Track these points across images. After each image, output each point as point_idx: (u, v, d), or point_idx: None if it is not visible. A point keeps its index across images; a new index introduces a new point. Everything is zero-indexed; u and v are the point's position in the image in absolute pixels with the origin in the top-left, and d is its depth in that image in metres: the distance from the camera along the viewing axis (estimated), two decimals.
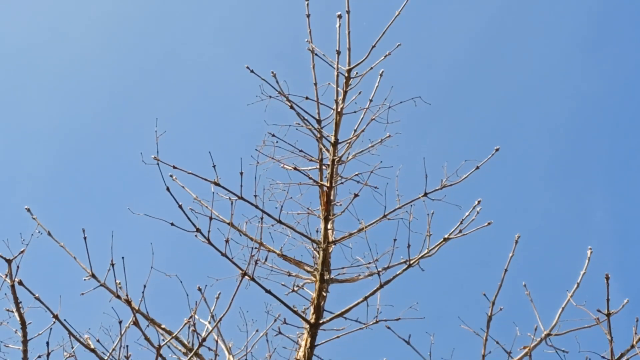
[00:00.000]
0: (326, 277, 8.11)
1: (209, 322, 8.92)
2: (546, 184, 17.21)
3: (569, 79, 17.86)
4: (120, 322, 6.46)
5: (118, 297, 7.07)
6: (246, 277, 6.29)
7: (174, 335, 5.81)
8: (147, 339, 5.93)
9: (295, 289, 8.42)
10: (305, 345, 6.45)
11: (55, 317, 5.85)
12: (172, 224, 6.94)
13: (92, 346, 6.14)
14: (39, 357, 7.20)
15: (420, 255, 6.80)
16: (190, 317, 5.82)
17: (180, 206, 6.79)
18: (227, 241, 6.69)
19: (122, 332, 7.18)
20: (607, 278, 5.72)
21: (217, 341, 8.66)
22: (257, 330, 9.33)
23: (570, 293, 8.06)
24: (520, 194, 16.66)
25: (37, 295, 5.93)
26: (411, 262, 6.64)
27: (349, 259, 8.82)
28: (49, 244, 7.85)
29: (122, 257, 5.97)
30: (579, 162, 17.73)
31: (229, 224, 7.83)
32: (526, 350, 8.42)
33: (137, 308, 6.30)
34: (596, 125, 17.96)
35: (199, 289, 8.27)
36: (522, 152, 17.04)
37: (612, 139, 17.78)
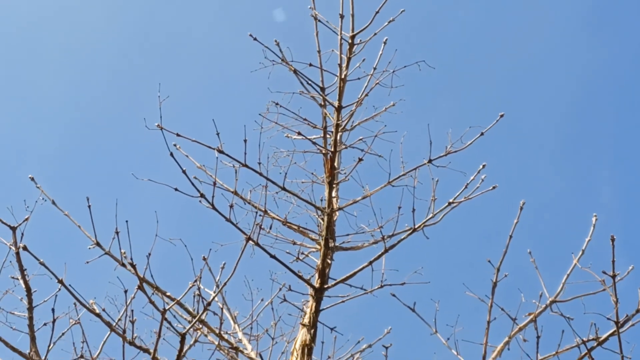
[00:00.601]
0: (331, 244, 8.10)
1: (214, 292, 8.95)
2: (552, 158, 17.17)
3: (577, 54, 17.77)
4: (125, 292, 6.46)
5: (123, 265, 7.08)
6: (250, 242, 6.28)
7: (178, 299, 5.82)
8: (151, 302, 5.93)
9: (300, 257, 8.42)
10: (311, 310, 6.46)
11: (60, 282, 5.85)
12: (176, 189, 6.93)
13: (97, 311, 6.14)
14: (45, 324, 7.22)
15: (425, 220, 6.79)
16: (195, 280, 5.82)
17: (184, 171, 6.78)
18: (231, 206, 6.69)
19: (130, 300, 7.20)
20: (613, 240, 5.70)
21: (222, 309, 8.69)
22: (262, 300, 9.37)
23: (575, 258, 8.05)
24: (525, 168, 16.63)
25: (41, 260, 5.93)
26: (416, 227, 6.62)
27: (354, 228, 8.81)
28: (54, 213, 7.86)
29: (126, 221, 5.95)
30: (585, 138, 17.68)
31: (233, 192, 7.82)
32: (531, 316, 8.42)
33: (142, 276, 6.30)
34: (604, 101, 17.90)
35: (204, 259, 8.29)
36: (528, 125, 16.99)
37: (620, 115, 17.72)
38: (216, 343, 8.23)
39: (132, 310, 5.98)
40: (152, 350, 5.77)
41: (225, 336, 8.03)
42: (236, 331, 8.86)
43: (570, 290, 8.54)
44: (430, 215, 6.77)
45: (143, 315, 8.45)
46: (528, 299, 8.49)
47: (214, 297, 6.02)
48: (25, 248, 5.97)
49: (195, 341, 8.88)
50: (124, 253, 7.03)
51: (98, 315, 6.14)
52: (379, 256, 6.59)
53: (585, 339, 6.01)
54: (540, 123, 17.29)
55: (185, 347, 7.04)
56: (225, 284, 5.85)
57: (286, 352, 8.78)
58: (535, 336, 7.41)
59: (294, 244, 8.83)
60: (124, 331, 6.13)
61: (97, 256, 7.35)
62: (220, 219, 7.17)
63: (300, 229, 8.59)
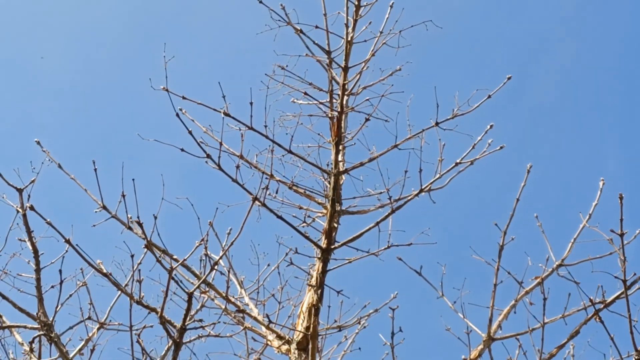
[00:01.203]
0: (337, 208, 8.09)
1: (220, 258, 8.96)
2: (559, 123, 17.11)
3: (584, 17, 17.64)
4: (132, 256, 6.46)
5: (129, 228, 7.08)
6: (257, 202, 6.27)
7: (185, 258, 5.82)
8: (158, 261, 5.94)
9: (307, 221, 8.41)
10: (317, 271, 6.46)
11: (67, 241, 5.85)
12: (182, 150, 6.92)
13: (104, 271, 6.15)
14: (52, 286, 7.24)
15: (432, 181, 6.76)
16: (202, 240, 5.82)
17: (190, 132, 6.75)
18: (237, 167, 6.67)
19: (139, 262, 7.22)
20: (621, 198, 5.66)
21: (228, 274, 8.69)
22: (268, 265, 9.38)
23: (584, 219, 8.03)
24: (532, 132, 16.58)
25: (48, 220, 5.93)
26: (423, 187, 6.60)
27: (360, 193, 8.81)
28: (60, 178, 7.86)
29: (133, 179, 5.93)
30: (591, 104, 17.60)
31: (239, 156, 7.79)
32: (538, 280, 8.42)
33: (148, 237, 6.30)
34: (611, 68, 17.79)
35: (210, 224, 8.29)
36: (535, 90, 16.90)
37: (627, 82, 17.62)
38: (223, 307, 8.25)
39: (140, 270, 5.99)
40: (159, 309, 5.78)
41: (232, 300, 8.04)
42: (243, 296, 8.88)
43: (577, 254, 8.54)
44: (437, 176, 6.74)
45: (150, 281, 8.49)
46: (535, 262, 8.50)
47: (221, 257, 6.02)
48: (32, 208, 5.97)
49: (202, 306, 8.91)
50: (131, 218, 7.03)
51: (105, 274, 6.15)
52: (386, 217, 6.57)
53: (592, 300, 5.99)
54: (548, 88, 17.20)
55: (192, 312, 7.06)
56: (232, 243, 5.85)
57: (293, 316, 8.82)
58: (542, 299, 7.42)
59: (300, 208, 8.82)
60: (131, 292, 6.15)
61: (104, 219, 7.36)
62: (227, 181, 7.15)
63: (307, 192, 8.57)
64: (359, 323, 8.09)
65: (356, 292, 8.95)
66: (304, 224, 8.48)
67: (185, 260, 5.78)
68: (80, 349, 7.91)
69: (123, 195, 6.79)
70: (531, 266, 8.51)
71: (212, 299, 8.40)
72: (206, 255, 6.52)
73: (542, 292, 7.45)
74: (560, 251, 8.56)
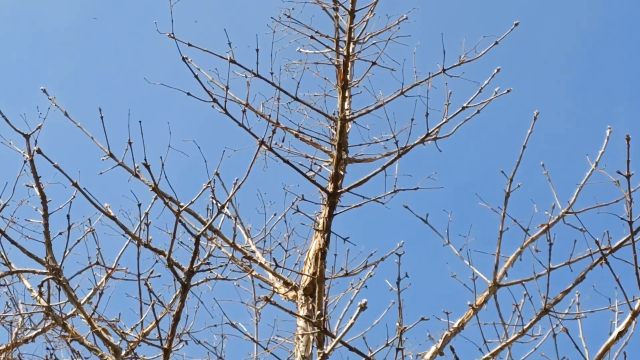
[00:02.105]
0: (344, 156, 8.09)
1: (227, 208, 8.99)
2: (569, 81, 17.01)
3: None
4: (139, 205, 6.48)
5: (136, 176, 7.09)
6: (264, 147, 6.27)
7: (192, 200, 5.83)
8: (166, 204, 5.97)
9: (314, 170, 8.40)
10: (324, 215, 6.48)
11: (75, 185, 5.87)
12: (188, 94, 6.90)
13: (112, 214, 6.18)
14: (60, 233, 7.26)
15: (439, 124, 6.74)
16: (209, 183, 5.83)
17: (196, 76, 6.75)
18: (244, 111, 6.67)
19: (147, 210, 7.25)
20: (628, 139, 5.64)
21: (235, 221, 8.73)
22: (275, 214, 9.40)
23: (592, 164, 8.02)
24: (541, 87, 16.49)
25: (55, 163, 5.95)
26: (429, 131, 6.60)
27: (367, 141, 8.80)
28: (66, 128, 7.86)
29: (140, 122, 5.92)
30: (604, 62, 17.48)
31: (245, 104, 7.77)
32: (544, 227, 8.44)
33: (156, 182, 6.31)
34: (622, 31, 17.62)
35: (217, 174, 8.30)
36: (544, 42, 16.76)
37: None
38: (230, 255, 8.30)
39: (147, 213, 6.01)
40: (167, 252, 5.81)
41: (239, 247, 8.09)
42: (249, 245, 8.92)
43: (583, 202, 8.55)
44: (444, 120, 6.73)
45: (157, 231, 8.51)
46: (541, 210, 8.52)
47: (227, 200, 6.04)
48: (39, 151, 5.99)
49: (209, 255, 8.95)
50: (137, 167, 7.04)
51: (113, 217, 6.18)
52: (392, 161, 6.57)
53: (598, 242, 6.00)
54: (561, 43, 17.03)
55: (199, 262, 7.09)
56: (238, 187, 5.86)
57: (299, 264, 8.85)
58: (548, 244, 7.44)
59: (307, 157, 8.81)
60: (139, 236, 6.19)
61: (111, 167, 7.37)
62: (233, 130, 7.16)
63: (313, 141, 8.57)
64: (366, 266, 8.10)
65: (362, 241, 8.99)
66: (311, 172, 8.49)
67: (192, 202, 5.79)
68: (89, 298, 7.97)
69: (129, 143, 6.78)
70: (537, 214, 8.54)
71: (219, 247, 8.43)
72: (213, 199, 6.54)
73: (547, 240, 7.47)
74: (567, 199, 8.57)
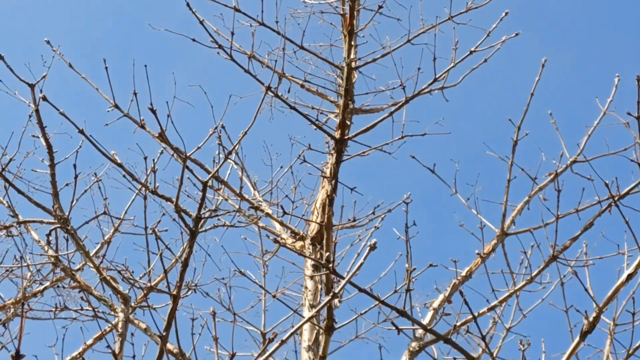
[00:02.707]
0: (350, 105, 8.03)
1: (234, 161, 8.97)
2: (575, 37, 16.86)
3: None
4: (145, 158, 6.45)
5: (142, 127, 7.04)
6: (270, 93, 6.22)
7: (199, 146, 5.77)
8: (173, 149, 5.93)
9: (320, 121, 8.35)
10: (331, 162, 6.42)
11: (81, 131, 5.82)
12: (193, 40, 6.82)
13: (118, 161, 6.15)
14: (67, 184, 7.25)
15: (447, 69, 6.66)
16: (215, 128, 5.78)
17: (201, 22, 6.67)
18: (249, 57, 6.60)
19: (157, 158, 7.23)
20: (638, 80, 5.58)
21: (241, 174, 8.71)
22: (281, 167, 9.38)
23: (603, 108, 7.96)
24: (549, 43, 16.34)
25: (61, 110, 5.90)
26: (437, 77, 6.53)
27: (373, 91, 8.75)
28: (71, 80, 7.81)
29: (145, 65, 5.85)
30: (611, 12, 17.30)
31: (249, 54, 7.70)
32: (552, 176, 8.40)
33: (162, 129, 6.26)
34: None
35: (223, 127, 8.27)
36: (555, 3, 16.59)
37: None
38: (237, 207, 8.29)
39: (154, 160, 5.98)
40: (174, 199, 5.78)
41: (246, 197, 8.08)
42: (256, 197, 8.91)
43: (592, 151, 8.50)
44: (452, 64, 6.65)
45: (163, 183, 8.50)
46: (549, 158, 8.47)
47: (234, 147, 5.99)
48: (44, 98, 5.93)
49: (216, 208, 8.95)
50: (143, 119, 6.99)
51: (119, 164, 6.15)
52: (400, 107, 6.51)
53: (607, 184, 5.95)
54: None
55: (206, 210, 7.06)
56: (245, 133, 5.80)
57: (307, 214, 8.85)
58: (556, 192, 7.40)
59: (313, 108, 8.79)
60: (146, 182, 6.17)
61: (116, 118, 7.32)
62: (239, 79, 7.11)
63: (319, 91, 8.52)
64: (373, 217, 8.09)
65: (370, 192, 8.98)
66: (317, 120, 8.44)
67: (199, 148, 5.73)
68: (97, 251, 7.98)
69: (135, 94, 6.72)
70: (545, 162, 8.50)
71: (226, 199, 8.43)
72: (219, 144, 6.51)
73: (555, 188, 7.43)
74: (575, 148, 8.53)
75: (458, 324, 7.17)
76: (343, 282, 4.53)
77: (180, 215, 5.75)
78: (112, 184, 10.11)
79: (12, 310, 8.59)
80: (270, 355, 4.40)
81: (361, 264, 4.63)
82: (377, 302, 4.92)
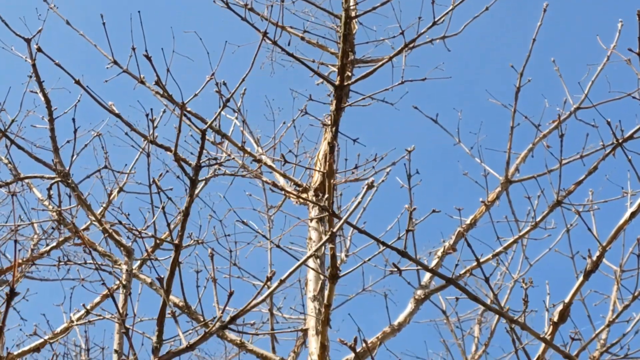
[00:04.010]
0: (350, 57, 7.97)
1: (236, 117, 8.92)
2: None
3: None
4: (147, 115, 6.41)
5: (142, 82, 7.00)
6: (266, 40, 6.15)
7: (196, 93, 5.72)
8: (170, 99, 5.88)
9: (319, 72, 8.29)
10: (332, 109, 6.38)
11: (77, 82, 5.78)
12: None
13: (116, 111, 6.12)
14: (68, 141, 7.23)
15: (446, 12, 6.56)
16: (212, 74, 5.71)
17: None
18: (245, 6, 6.54)
19: (160, 117, 7.20)
20: (639, 15, 5.48)
21: (243, 128, 8.67)
22: (284, 122, 9.32)
23: (608, 48, 7.86)
24: None
25: (57, 61, 5.86)
26: (436, 20, 6.44)
27: (373, 46, 8.67)
28: (69, 37, 7.76)
29: (138, 12, 5.78)
30: None
31: (244, 5, 7.61)
32: (555, 123, 8.34)
33: (159, 79, 6.20)
34: None
35: (224, 84, 8.21)
36: None
37: None
38: (240, 163, 8.26)
39: (152, 109, 5.93)
40: (172, 148, 5.75)
41: (248, 150, 8.04)
42: (259, 153, 8.87)
43: (595, 96, 8.43)
44: (451, 7, 6.56)
45: (163, 139, 8.47)
46: (552, 105, 8.40)
47: (232, 94, 5.90)
48: (39, 49, 5.90)
49: (216, 157, 8.92)
50: (143, 76, 6.95)
51: (117, 115, 6.13)
52: (400, 51, 6.43)
53: (611, 131, 5.88)
54: None
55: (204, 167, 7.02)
56: (243, 79, 5.72)
57: (310, 166, 8.80)
58: (559, 139, 7.33)
59: (313, 62, 8.71)
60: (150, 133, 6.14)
61: (115, 75, 7.28)
62: (237, 28, 7.02)
63: (319, 42, 8.45)
64: (375, 160, 8.02)
65: (373, 145, 8.93)
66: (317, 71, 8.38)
67: (196, 95, 5.67)
68: (102, 212, 7.98)
69: (133, 49, 6.67)
70: (548, 109, 8.44)
71: (229, 155, 8.39)
72: (217, 92, 6.46)
73: (559, 135, 7.37)
74: (579, 94, 8.44)
75: (462, 271, 7.17)
76: (340, 222, 4.51)
77: (179, 164, 5.72)
78: (113, 141, 10.11)
79: (21, 270, 8.61)
80: (269, 294, 4.39)
81: (359, 202, 4.61)
82: (376, 243, 4.89)
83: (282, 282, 4.41)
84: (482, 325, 11.64)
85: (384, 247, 5.70)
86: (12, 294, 3.49)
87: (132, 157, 8.21)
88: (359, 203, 4.59)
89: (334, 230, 4.48)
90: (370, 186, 4.54)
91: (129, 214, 6.18)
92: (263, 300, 4.42)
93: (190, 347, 4.24)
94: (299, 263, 4.35)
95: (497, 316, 10.81)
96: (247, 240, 8.72)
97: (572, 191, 7.34)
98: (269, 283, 4.36)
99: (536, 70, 8.90)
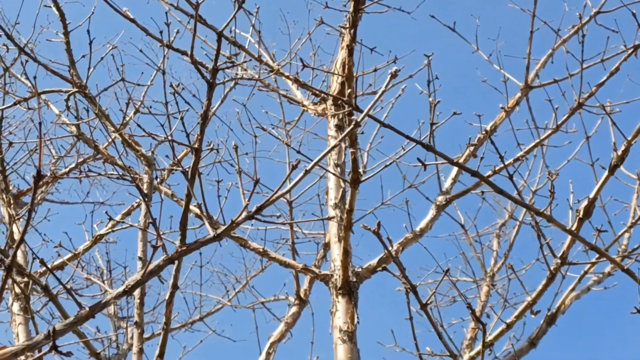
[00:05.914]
0: None
1: (250, 34, 8.81)
2: None
3: None
4: (161, 32, 6.33)
5: None
6: None
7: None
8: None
9: None
10: (350, 10, 6.25)
11: None
12: None
13: (131, 17, 6.04)
14: (83, 56, 7.16)
15: None
16: None
17: None
18: None
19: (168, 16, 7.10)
20: None
21: (259, 43, 8.59)
22: (299, 38, 9.21)
23: None
24: None
25: None
26: None
27: None
28: None
29: None
30: None
31: None
32: (575, 28, 8.21)
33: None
34: None
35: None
36: None
37: None
38: (256, 77, 8.19)
39: (167, 13, 5.86)
40: (188, 52, 5.70)
41: (264, 61, 7.97)
42: (276, 66, 8.78)
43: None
44: None
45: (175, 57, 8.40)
46: (572, 9, 8.25)
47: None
48: None
49: (236, 83, 8.86)
50: None
51: (133, 20, 6.05)
52: None
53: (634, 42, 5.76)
54: None
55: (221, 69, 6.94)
56: None
57: (326, 79, 8.74)
58: (579, 42, 7.22)
59: None
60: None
61: None
62: None
63: None
64: (395, 62, 7.92)
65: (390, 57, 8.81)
66: None
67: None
68: (124, 123, 7.94)
69: None
70: (568, 13, 8.28)
71: (245, 69, 8.32)
72: None
73: (580, 39, 7.25)
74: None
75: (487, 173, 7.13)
76: (362, 114, 4.46)
77: (197, 67, 5.66)
78: (127, 60, 10.04)
79: (43, 189, 8.65)
80: (295, 184, 4.37)
81: (383, 92, 4.55)
82: (395, 153, 4.84)
83: (307, 172, 4.36)
84: (501, 239, 11.69)
85: (408, 144, 5.63)
86: (39, 177, 3.47)
87: (148, 77, 8.17)
88: (383, 92, 4.53)
89: (358, 120, 4.44)
90: (393, 75, 4.47)
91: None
92: (289, 191, 4.40)
93: (218, 237, 4.22)
94: (325, 151, 4.31)
95: (515, 229, 10.86)
96: (265, 156, 8.73)
97: (594, 93, 7.21)
98: (293, 172, 4.33)
99: None
